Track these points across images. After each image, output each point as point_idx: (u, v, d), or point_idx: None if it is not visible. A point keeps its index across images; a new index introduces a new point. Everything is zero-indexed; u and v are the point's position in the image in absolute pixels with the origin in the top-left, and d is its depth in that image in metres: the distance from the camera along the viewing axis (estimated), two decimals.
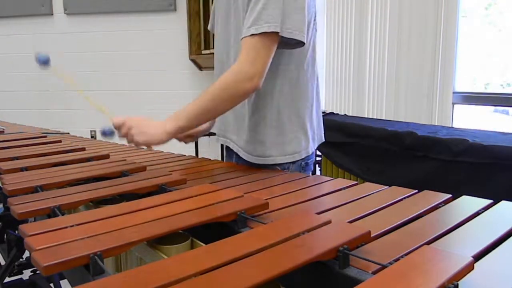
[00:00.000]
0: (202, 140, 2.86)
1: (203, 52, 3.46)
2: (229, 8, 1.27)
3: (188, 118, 1.15)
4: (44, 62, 1.33)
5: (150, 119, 1.20)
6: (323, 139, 1.40)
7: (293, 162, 1.28)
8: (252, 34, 1.11)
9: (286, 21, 1.12)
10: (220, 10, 1.32)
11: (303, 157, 1.29)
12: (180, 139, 1.39)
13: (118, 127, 1.17)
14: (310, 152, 1.32)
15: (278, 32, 1.11)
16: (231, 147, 1.34)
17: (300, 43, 1.16)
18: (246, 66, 1.12)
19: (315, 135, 1.35)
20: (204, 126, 1.40)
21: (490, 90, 2.88)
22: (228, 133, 1.36)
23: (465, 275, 0.53)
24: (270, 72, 1.18)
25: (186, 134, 1.36)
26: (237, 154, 1.33)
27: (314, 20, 1.25)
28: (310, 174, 1.31)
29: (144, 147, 1.21)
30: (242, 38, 1.14)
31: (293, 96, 1.26)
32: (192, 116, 1.15)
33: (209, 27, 1.47)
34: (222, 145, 1.43)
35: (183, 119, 1.15)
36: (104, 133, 1.25)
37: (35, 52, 1.35)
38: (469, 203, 0.88)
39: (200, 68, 3.67)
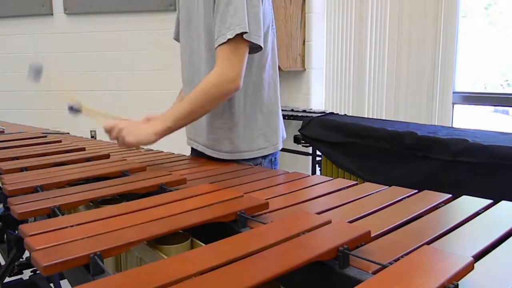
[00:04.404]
0: None
1: None
2: (190, 16, 1.36)
3: (174, 119, 1.22)
4: (37, 71, 1.39)
5: (138, 121, 1.27)
6: (285, 135, 1.49)
7: (263, 157, 1.38)
8: (228, 39, 1.19)
9: (250, 27, 1.20)
10: (183, 19, 1.40)
11: (270, 152, 1.39)
12: None
13: (109, 130, 1.23)
14: (279, 148, 1.42)
15: (246, 33, 1.19)
16: (200, 150, 1.41)
17: (259, 48, 1.26)
18: (226, 69, 1.21)
19: (282, 131, 1.44)
20: None
21: (490, 90, 2.87)
22: (197, 136, 1.43)
23: (465, 275, 0.53)
24: None
25: None
26: (202, 154, 1.40)
27: (272, 25, 1.35)
28: (278, 168, 1.43)
29: (134, 148, 1.29)
30: (219, 45, 1.22)
31: (258, 96, 1.34)
32: (178, 118, 1.23)
33: (173, 37, 1.55)
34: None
35: (171, 120, 1.22)
36: (72, 109, 1.33)
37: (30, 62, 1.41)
38: (469, 203, 0.88)
39: None
